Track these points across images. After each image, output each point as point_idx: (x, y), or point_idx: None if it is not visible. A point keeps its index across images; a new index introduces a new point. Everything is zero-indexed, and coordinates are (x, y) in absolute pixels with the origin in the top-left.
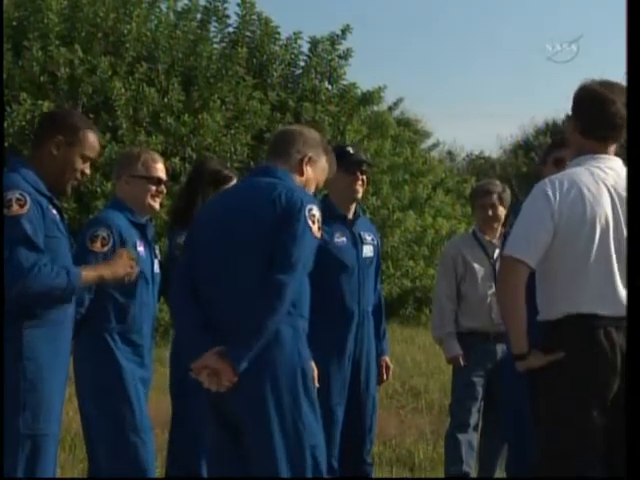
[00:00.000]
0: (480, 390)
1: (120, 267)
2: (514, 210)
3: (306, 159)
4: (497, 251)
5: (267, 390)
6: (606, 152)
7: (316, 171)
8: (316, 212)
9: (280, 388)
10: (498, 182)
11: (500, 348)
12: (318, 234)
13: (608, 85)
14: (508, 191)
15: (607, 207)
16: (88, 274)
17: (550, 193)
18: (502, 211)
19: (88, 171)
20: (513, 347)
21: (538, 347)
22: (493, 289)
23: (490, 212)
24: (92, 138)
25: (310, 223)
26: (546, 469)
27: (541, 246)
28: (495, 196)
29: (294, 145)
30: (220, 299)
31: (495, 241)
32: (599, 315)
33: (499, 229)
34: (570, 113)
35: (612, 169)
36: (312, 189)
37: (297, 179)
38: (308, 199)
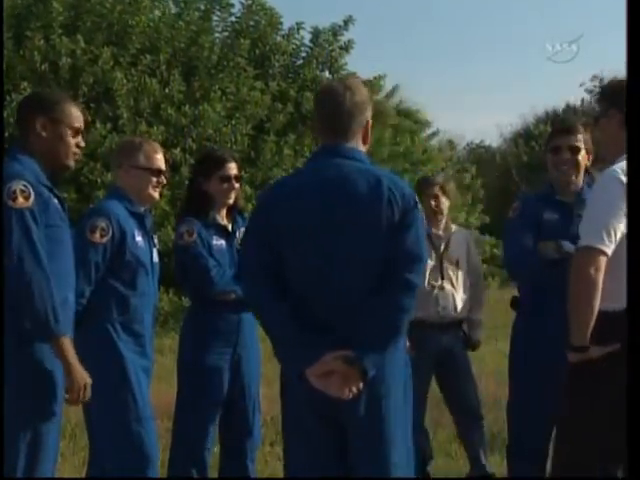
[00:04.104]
0: (429, 379)
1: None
2: (518, 198)
3: (369, 126)
4: (443, 245)
5: (383, 390)
6: None
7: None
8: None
9: (396, 387)
10: (442, 173)
11: (446, 338)
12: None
13: None
14: (452, 183)
15: None
16: (67, 347)
17: (624, 180)
18: (444, 202)
19: (83, 144)
20: (574, 338)
21: (592, 338)
22: (439, 282)
23: (433, 203)
24: (73, 108)
25: (421, 214)
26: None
27: (619, 235)
28: (437, 187)
29: (356, 117)
30: (322, 292)
31: (441, 233)
32: None
33: (443, 221)
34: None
35: None
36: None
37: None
38: (410, 187)
